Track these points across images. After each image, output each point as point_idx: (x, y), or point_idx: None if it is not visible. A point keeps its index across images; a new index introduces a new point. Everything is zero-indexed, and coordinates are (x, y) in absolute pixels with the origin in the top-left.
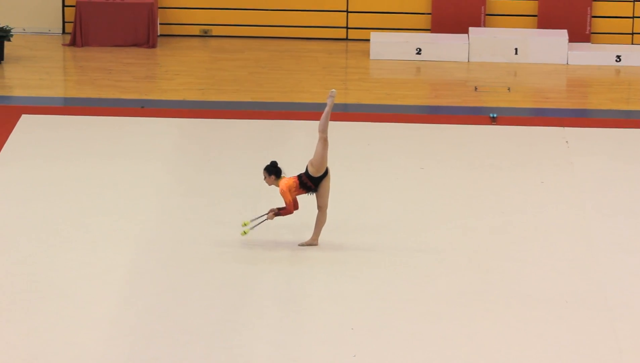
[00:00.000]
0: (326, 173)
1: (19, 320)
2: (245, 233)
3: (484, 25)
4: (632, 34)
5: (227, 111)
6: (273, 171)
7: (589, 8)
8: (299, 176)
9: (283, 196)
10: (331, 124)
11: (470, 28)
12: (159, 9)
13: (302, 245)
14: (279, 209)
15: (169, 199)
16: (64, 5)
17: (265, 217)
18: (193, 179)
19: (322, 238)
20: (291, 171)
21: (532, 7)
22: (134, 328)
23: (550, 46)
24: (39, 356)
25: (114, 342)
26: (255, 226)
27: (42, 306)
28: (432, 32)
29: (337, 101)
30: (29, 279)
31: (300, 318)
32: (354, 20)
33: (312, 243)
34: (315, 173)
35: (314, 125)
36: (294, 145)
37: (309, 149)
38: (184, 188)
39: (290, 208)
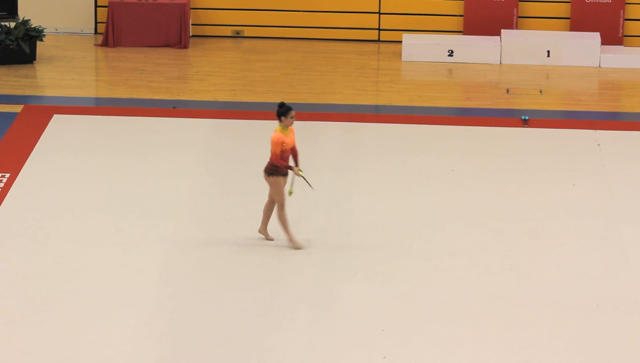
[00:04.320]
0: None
1: (52, 321)
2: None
3: (516, 28)
4: None
5: (259, 112)
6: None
7: (622, 11)
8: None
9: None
10: (362, 125)
11: (502, 30)
12: (191, 10)
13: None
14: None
15: (201, 200)
16: (96, 6)
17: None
18: (226, 180)
19: (352, 239)
20: (321, 171)
21: (564, 10)
22: (165, 330)
23: (583, 49)
24: (71, 356)
25: (145, 344)
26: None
27: (75, 307)
28: (464, 34)
29: (369, 102)
30: (62, 280)
31: (331, 321)
32: (386, 21)
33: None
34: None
35: (345, 126)
36: (324, 145)
37: (340, 150)
38: (217, 188)
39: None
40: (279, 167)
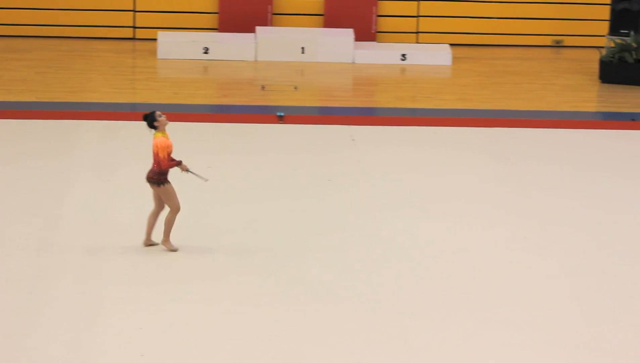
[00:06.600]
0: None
1: None
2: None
3: (271, 24)
4: (417, 33)
5: (14, 111)
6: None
7: (374, 7)
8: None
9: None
10: (119, 124)
11: (257, 27)
12: None
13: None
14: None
15: None
16: None
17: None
18: None
19: (118, 242)
20: (80, 171)
21: (318, 6)
22: None
23: (337, 45)
24: None
25: None
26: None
27: None
28: (219, 32)
29: (126, 100)
30: None
31: (94, 320)
32: (141, 19)
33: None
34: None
35: (103, 125)
36: (82, 145)
37: (98, 150)
38: None
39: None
40: (165, 174)
